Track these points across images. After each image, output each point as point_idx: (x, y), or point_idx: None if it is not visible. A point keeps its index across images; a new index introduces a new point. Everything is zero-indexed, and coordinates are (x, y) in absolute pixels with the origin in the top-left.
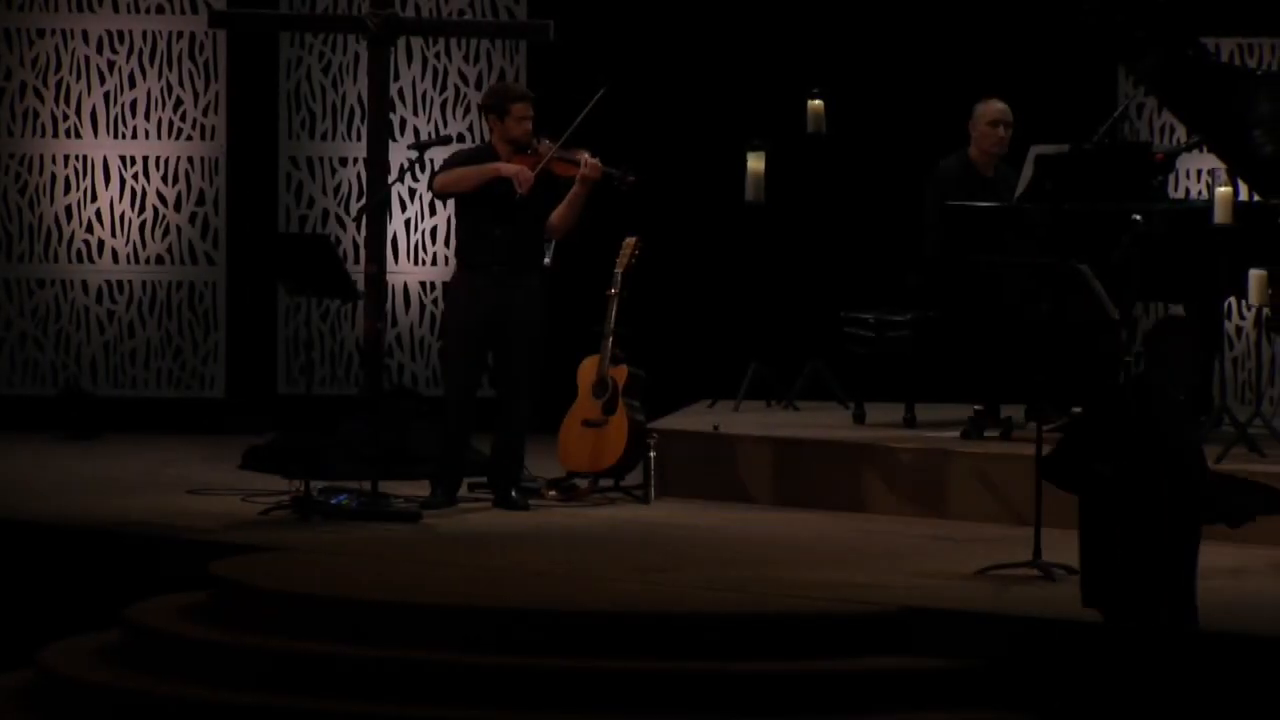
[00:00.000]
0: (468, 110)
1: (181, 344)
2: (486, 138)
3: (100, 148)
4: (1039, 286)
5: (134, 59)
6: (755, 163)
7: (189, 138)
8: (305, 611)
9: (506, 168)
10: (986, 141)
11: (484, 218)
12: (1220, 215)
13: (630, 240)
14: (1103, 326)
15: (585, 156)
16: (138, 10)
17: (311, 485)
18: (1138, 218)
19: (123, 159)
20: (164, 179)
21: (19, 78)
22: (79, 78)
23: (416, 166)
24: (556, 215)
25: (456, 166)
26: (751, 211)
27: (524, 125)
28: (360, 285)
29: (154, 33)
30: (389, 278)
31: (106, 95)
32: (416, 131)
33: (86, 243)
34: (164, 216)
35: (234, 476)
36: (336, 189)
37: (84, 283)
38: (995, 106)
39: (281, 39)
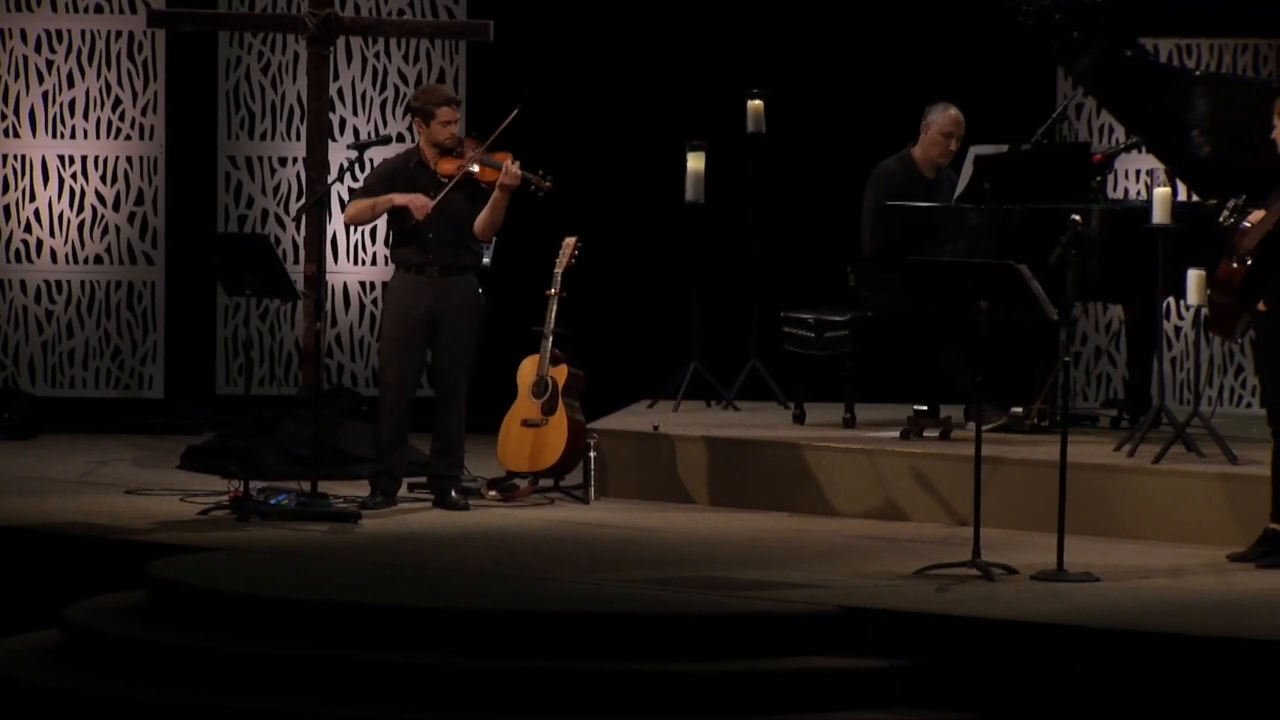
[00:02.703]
0: (408, 110)
1: (120, 344)
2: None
3: (39, 147)
4: (977, 287)
5: (72, 58)
6: (695, 162)
7: (128, 137)
8: (244, 612)
9: (401, 198)
10: (935, 149)
11: (412, 227)
12: (1159, 215)
13: (570, 240)
14: (1041, 327)
15: (506, 162)
16: (76, 10)
17: (250, 485)
18: (1076, 218)
19: (61, 158)
20: (103, 178)
21: None
22: (17, 77)
23: (356, 166)
24: (480, 219)
25: (368, 187)
26: (691, 211)
27: (449, 129)
28: (300, 285)
29: (92, 32)
30: (328, 278)
31: (45, 95)
32: (356, 131)
33: (25, 242)
34: (102, 216)
35: (172, 476)
36: (276, 189)
37: (22, 282)
38: (951, 116)
39: (220, 38)
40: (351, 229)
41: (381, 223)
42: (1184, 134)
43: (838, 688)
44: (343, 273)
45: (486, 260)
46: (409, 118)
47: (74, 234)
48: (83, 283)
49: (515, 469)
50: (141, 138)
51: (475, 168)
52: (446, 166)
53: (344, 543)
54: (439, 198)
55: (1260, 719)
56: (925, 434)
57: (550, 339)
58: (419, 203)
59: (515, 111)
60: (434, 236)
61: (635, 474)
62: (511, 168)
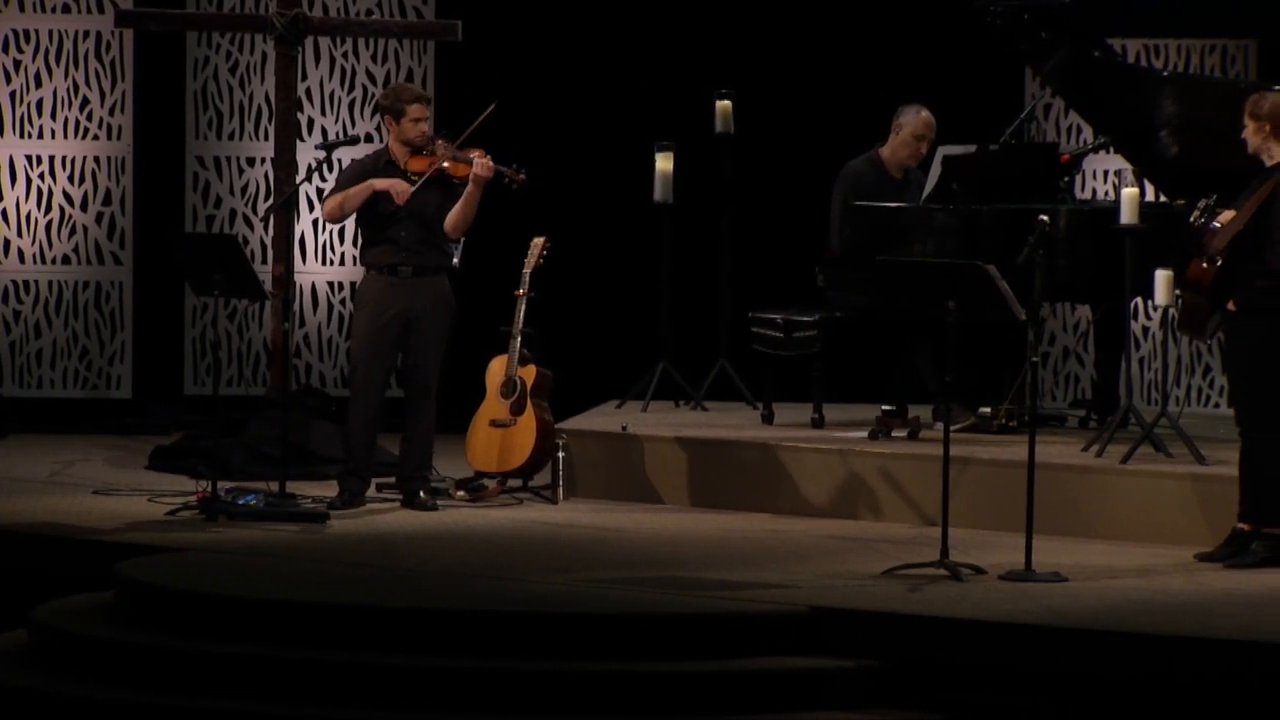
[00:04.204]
0: (375, 110)
1: (88, 344)
2: (387, 139)
3: (6, 147)
4: (945, 287)
5: (40, 58)
6: (663, 163)
7: (95, 137)
8: (212, 612)
9: (381, 183)
10: (906, 150)
11: (384, 223)
12: (1127, 216)
13: (538, 240)
14: (1009, 327)
15: (477, 156)
16: (44, 9)
17: (219, 486)
18: (1044, 218)
19: (29, 158)
20: (70, 178)
21: None
22: None
23: (324, 166)
24: (451, 215)
25: (341, 187)
26: (659, 211)
27: (419, 127)
28: (268, 285)
29: (60, 32)
30: (297, 278)
31: (13, 95)
32: (324, 131)
33: None
34: (70, 216)
35: (141, 477)
36: (244, 189)
37: None
38: (924, 120)
39: (188, 38)
40: (320, 229)
41: (350, 223)
42: (1152, 134)
43: (806, 688)
44: (311, 273)
45: (455, 260)
46: (378, 118)
47: (41, 234)
48: (50, 283)
49: (484, 469)
50: (109, 138)
51: (447, 164)
52: (417, 165)
53: (312, 543)
54: (417, 184)
55: (1228, 718)
56: (894, 434)
57: (518, 339)
58: (399, 187)
59: (490, 108)
60: (405, 235)
61: (604, 474)
62: (484, 160)
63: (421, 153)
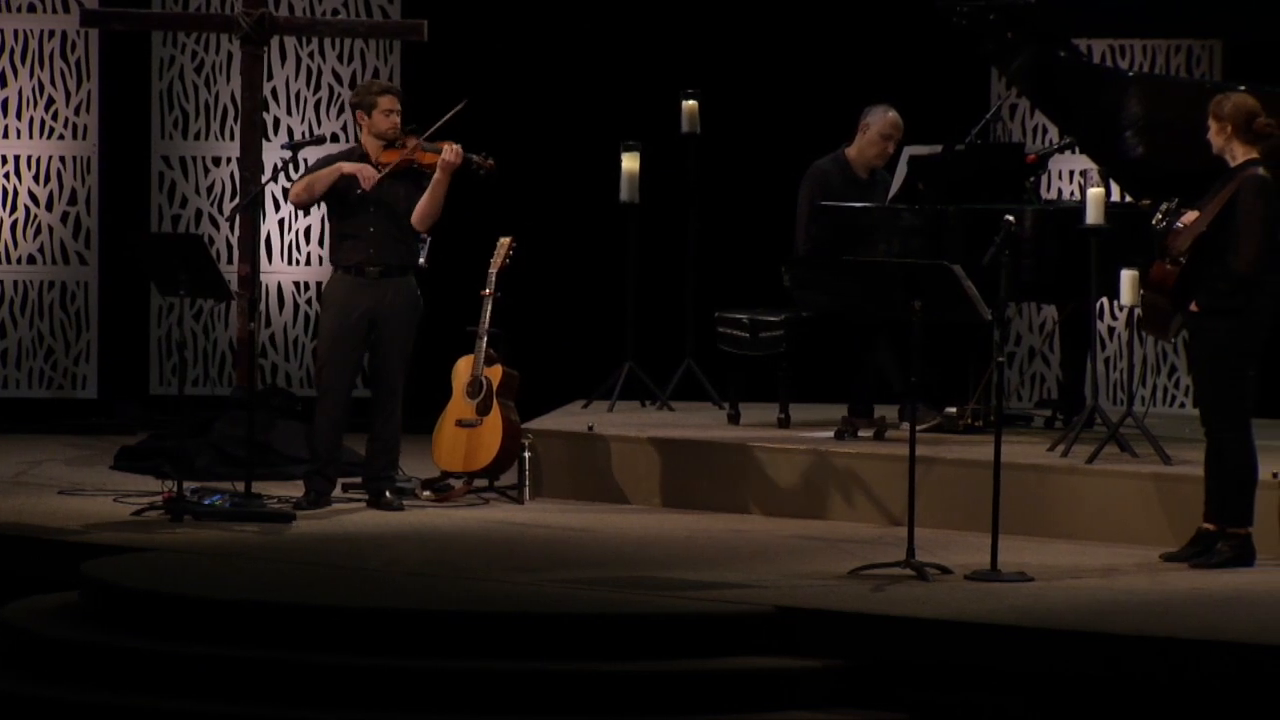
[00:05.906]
0: (341, 110)
1: (54, 344)
2: (358, 136)
3: None
4: (911, 287)
5: (5, 58)
6: (630, 162)
7: (61, 137)
8: (177, 612)
9: (349, 166)
10: (872, 150)
11: (353, 219)
12: (1092, 216)
13: (505, 240)
14: (975, 327)
15: (448, 145)
16: (9, 9)
17: (184, 486)
18: (1010, 218)
19: None
20: (36, 178)
21: None
22: None
23: (290, 166)
24: (419, 205)
25: (308, 173)
26: (626, 211)
27: (391, 119)
28: (234, 285)
29: (25, 31)
30: (262, 278)
31: None
32: (290, 131)
33: None
34: (35, 216)
35: (106, 477)
36: (210, 189)
37: None
38: (890, 120)
39: (154, 38)
40: (286, 229)
41: (318, 223)
42: (1117, 134)
43: (772, 688)
44: (277, 273)
45: (422, 260)
46: (346, 116)
47: (7, 234)
48: (15, 283)
49: (450, 469)
50: (75, 137)
51: (416, 154)
52: (389, 158)
53: (278, 543)
54: (385, 171)
55: (1192, 718)
56: (860, 434)
57: (485, 339)
58: (367, 172)
59: (461, 104)
60: (374, 230)
61: (570, 474)
62: (454, 146)
63: (393, 146)
